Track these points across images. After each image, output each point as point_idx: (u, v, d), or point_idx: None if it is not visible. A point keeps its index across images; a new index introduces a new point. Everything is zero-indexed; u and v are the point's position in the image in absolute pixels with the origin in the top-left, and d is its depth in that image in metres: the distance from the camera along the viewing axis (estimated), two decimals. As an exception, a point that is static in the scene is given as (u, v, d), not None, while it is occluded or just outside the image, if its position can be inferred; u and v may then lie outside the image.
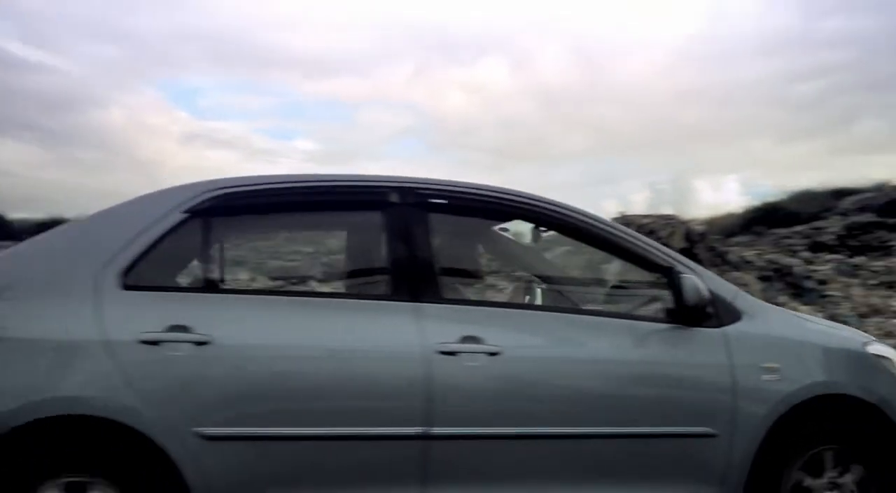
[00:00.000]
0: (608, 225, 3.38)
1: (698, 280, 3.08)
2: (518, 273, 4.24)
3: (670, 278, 3.12)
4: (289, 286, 3.51)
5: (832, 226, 19.56)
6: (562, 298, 3.70)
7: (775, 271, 11.51)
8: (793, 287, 11.33)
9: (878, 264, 13.42)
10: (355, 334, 2.86)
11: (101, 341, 2.62)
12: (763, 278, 11.11)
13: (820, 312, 10.62)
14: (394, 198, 3.09)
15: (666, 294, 3.16)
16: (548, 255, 4.22)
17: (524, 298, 3.98)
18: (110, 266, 2.76)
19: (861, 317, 10.60)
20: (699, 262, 10.47)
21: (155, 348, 2.64)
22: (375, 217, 3.16)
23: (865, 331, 10.20)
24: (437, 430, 2.80)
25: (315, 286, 3.55)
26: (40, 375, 2.56)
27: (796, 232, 19.66)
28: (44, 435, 2.51)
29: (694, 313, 3.10)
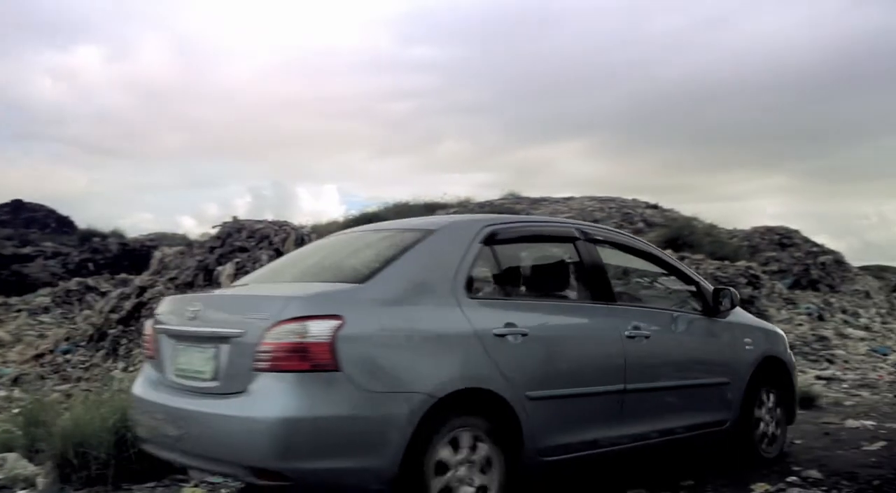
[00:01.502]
0: (670, 258, 5.67)
1: (715, 294, 5.26)
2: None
3: (698, 290, 5.30)
4: (545, 295, 4.78)
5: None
6: (657, 299, 5.59)
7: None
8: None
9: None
10: (587, 326, 4.46)
11: (475, 336, 3.76)
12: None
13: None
14: (578, 235, 4.72)
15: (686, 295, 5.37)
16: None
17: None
18: (456, 281, 3.88)
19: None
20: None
21: (502, 339, 3.86)
22: (569, 247, 4.72)
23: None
24: (629, 386, 4.45)
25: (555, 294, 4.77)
26: (455, 360, 3.68)
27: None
28: (454, 401, 3.58)
29: (714, 310, 5.22)
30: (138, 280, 11.19)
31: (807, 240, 21.50)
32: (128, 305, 10.52)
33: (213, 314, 3.83)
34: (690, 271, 5.45)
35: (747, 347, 5.34)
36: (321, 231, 21.64)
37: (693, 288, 5.30)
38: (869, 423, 6.97)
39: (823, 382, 9.67)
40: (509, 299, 4.34)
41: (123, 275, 11.48)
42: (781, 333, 6.00)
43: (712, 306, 5.20)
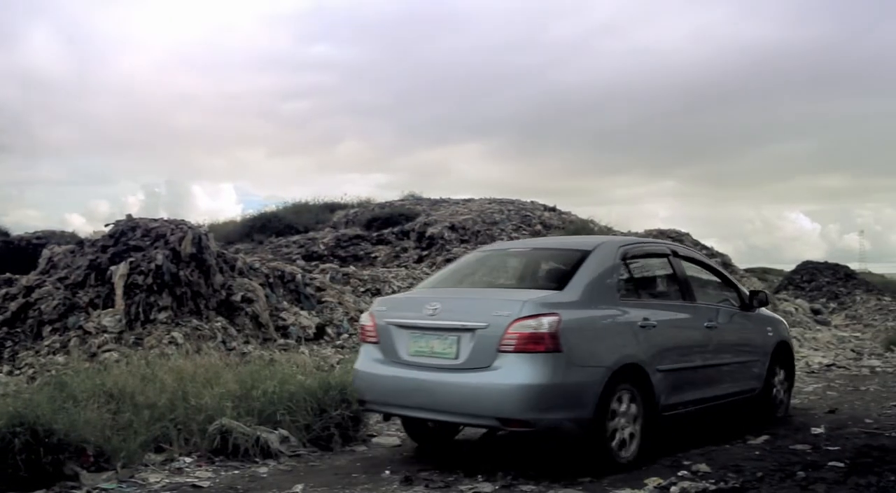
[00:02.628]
0: (719, 267, 7.75)
1: (751, 294, 7.27)
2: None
3: (737, 291, 7.20)
4: (657, 296, 6.51)
5: (324, 237, 21.17)
6: (713, 298, 7.02)
7: (279, 278, 11.95)
8: (294, 294, 11.87)
9: (365, 273, 14.80)
10: (686, 319, 6.23)
11: (628, 327, 5.51)
12: (267, 285, 11.45)
13: (317, 317, 11.40)
14: (665, 253, 6.61)
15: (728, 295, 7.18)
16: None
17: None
18: (612, 287, 5.65)
19: (352, 321, 11.61)
20: (209, 267, 10.39)
21: (643, 329, 5.55)
22: (666, 261, 6.53)
23: (355, 333, 11.16)
24: (709, 362, 6.29)
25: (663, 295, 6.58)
26: (619, 346, 5.36)
27: (293, 242, 20.88)
28: (620, 372, 5.23)
29: (750, 305, 7.13)
30: (25, 280, 10.63)
31: (696, 243, 22.39)
32: (13, 306, 9.99)
33: (452, 312, 5.33)
34: (733, 278, 7.70)
35: (769, 333, 7.30)
36: (219, 230, 21.18)
37: (734, 290, 7.22)
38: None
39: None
40: (640, 300, 5.96)
41: (7, 274, 10.86)
42: (785, 322, 8.14)
43: (748, 304, 7.14)
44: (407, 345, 5.45)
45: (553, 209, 25.51)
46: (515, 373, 4.90)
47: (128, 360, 7.67)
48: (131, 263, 10.20)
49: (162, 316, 9.77)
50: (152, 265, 10.13)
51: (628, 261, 5.98)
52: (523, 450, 5.96)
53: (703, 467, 5.22)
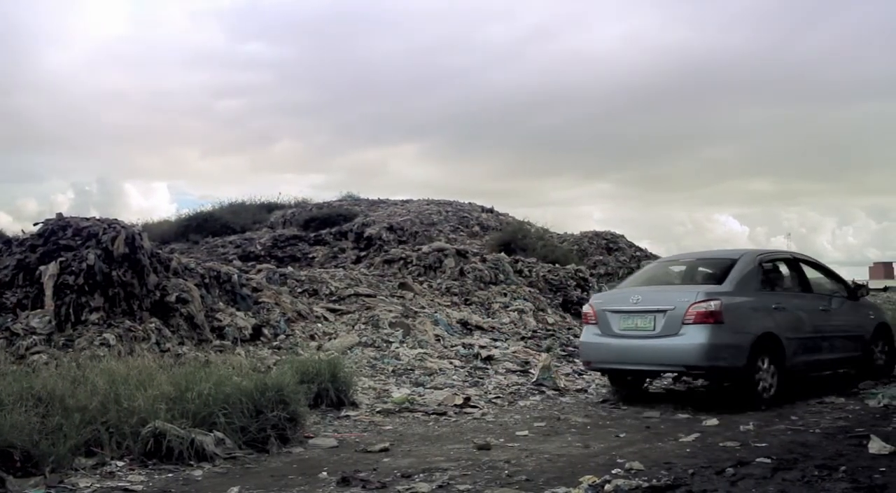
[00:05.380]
0: (828, 266, 10.62)
1: (855, 286, 10.15)
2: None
3: (844, 284, 10.02)
4: (784, 288, 9.13)
5: (261, 237, 20.96)
6: (826, 289, 9.88)
7: (214, 278, 11.80)
8: (230, 295, 11.73)
9: (303, 273, 14.69)
10: (805, 304, 9.04)
11: (766, 308, 8.34)
12: (202, 286, 11.30)
13: (254, 318, 11.28)
14: (790, 259, 9.55)
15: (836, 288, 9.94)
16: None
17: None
18: (755, 282, 8.54)
19: (289, 321, 11.54)
20: (143, 267, 10.20)
21: (776, 309, 8.45)
22: (786, 266, 9.46)
23: (292, 334, 11.11)
24: (823, 334, 9.02)
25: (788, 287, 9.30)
26: (760, 320, 8.17)
27: (230, 242, 20.61)
28: (761, 338, 8.02)
29: (855, 295, 9.83)
30: (-54, 280, 10.27)
31: (631, 245, 22.86)
32: (-66, 307, 9.66)
33: (650, 301, 8.33)
34: (839, 275, 10.29)
35: (870, 316, 10.02)
36: (153, 230, 20.75)
37: (842, 284, 9.98)
38: (684, 416, 7.56)
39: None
40: (773, 291, 8.76)
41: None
42: (884, 309, 11.48)
43: (853, 293, 9.84)
44: (618, 323, 8.46)
45: (491, 211, 25.71)
46: (695, 336, 7.77)
47: (57, 362, 7.50)
48: (61, 262, 9.95)
49: (93, 317, 9.56)
50: (83, 265, 9.90)
51: (764, 264, 8.84)
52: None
53: (637, 464, 5.33)
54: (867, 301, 10.35)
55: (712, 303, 7.80)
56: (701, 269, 9.26)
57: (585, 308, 9.14)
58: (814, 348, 8.79)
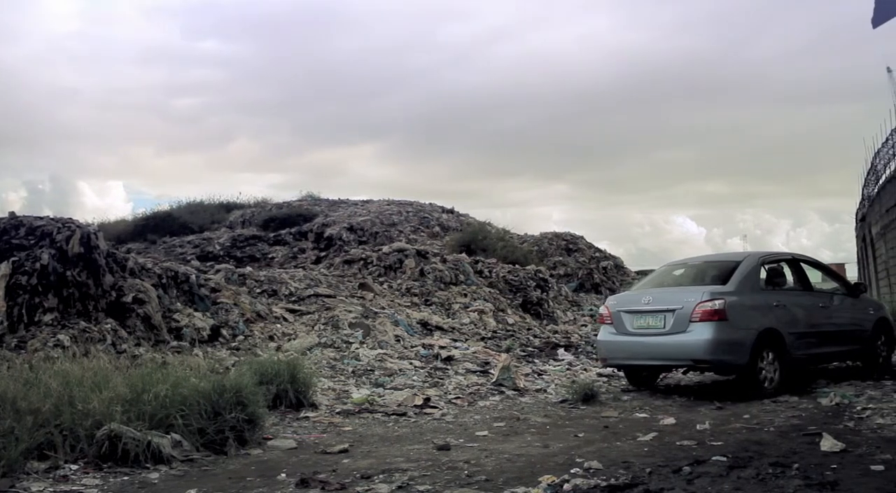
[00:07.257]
0: (828, 266, 11.56)
1: (855, 285, 10.96)
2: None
3: (845, 283, 10.99)
4: (785, 288, 9.74)
5: (220, 237, 20.75)
6: (827, 286, 11.27)
7: (172, 278, 11.65)
8: (188, 295, 11.60)
9: (262, 274, 14.58)
10: (805, 301, 9.66)
11: (767, 306, 9.01)
12: (160, 286, 11.16)
13: (212, 318, 11.17)
14: (790, 259, 10.21)
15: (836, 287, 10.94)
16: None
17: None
18: (757, 282, 9.33)
19: (248, 322, 11.45)
20: (98, 267, 10.05)
21: (777, 307, 9.05)
22: (785, 265, 10.15)
23: (251, 335, 11.03)
24: (823, 329, 9.58)
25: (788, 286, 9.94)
26: (762, 317, 8.81)
27: (188, 242, 20.37)
28: (763, 334, 8.71)
29: (855, 293, 10.57)
30: None
31: (590, 246, 23.04)
32: None
33: (660, 301, 8.98)
34: (840, 273, 10.88)
35: (871, 312, 10.59)
36: (109, 230, 20.44)
37: (841, 282, 10.95)
38: (642, 416, 7.65)
39: (604, 379, 10.42)
40: (774, 289, 9.38)
41: None
42: (885, 305, 11.83)
43: (853, 291, 10.55)
44: (631, 322, 9.14)
45: (451, 211, 25.75)
46: (702, 333, 8.42)
47: (9, 364, 7.35)
48: (14, 262, 9.75)
49: (47, 318, 9.39)
50: (37, 265, 9.71)
51: (765, 266, 9.61)
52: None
53: (595, 464, 5.38)
54: (868, 298, 11.22)
55: (717, 302, 8.47)
56: (707, 271, 9.86)
57: (601, 309, 9.93)
58: (814, 342, 9.36)
